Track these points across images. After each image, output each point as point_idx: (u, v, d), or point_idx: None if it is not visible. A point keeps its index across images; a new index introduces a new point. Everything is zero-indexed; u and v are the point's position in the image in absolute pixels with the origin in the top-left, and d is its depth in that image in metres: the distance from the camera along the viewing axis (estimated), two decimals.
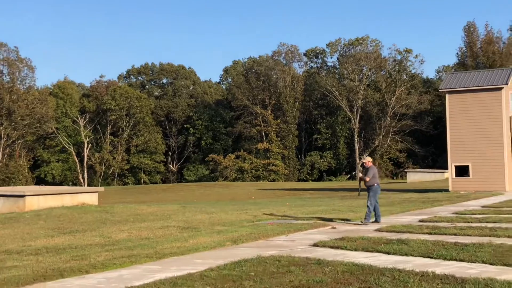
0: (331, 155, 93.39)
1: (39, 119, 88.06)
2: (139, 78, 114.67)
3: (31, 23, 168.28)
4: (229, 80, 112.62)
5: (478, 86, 35.38)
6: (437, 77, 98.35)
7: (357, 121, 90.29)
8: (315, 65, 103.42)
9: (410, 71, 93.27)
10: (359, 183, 18.10)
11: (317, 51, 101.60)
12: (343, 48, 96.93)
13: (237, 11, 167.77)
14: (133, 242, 14.87)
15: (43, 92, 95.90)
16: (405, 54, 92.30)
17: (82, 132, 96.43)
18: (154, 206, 27.46)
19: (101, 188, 32.96)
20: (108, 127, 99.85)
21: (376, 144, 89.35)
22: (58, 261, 11.90)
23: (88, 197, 28.45)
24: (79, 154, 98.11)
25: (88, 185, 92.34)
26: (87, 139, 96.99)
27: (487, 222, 16.33)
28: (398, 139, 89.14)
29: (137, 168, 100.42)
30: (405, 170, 75.30)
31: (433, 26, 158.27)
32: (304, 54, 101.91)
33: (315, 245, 12.54)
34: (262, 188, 57.66)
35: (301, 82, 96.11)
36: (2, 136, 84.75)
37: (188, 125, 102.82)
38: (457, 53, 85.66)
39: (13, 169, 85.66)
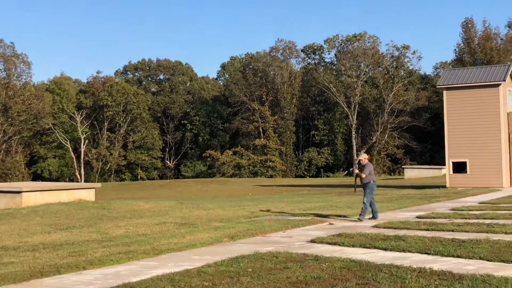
0: (329, 152, 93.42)
1: (35, 115, 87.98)
2: (136, 74, 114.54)
3: (27, 18, 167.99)
4: (227, 76, 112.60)
5: (476, 83, 35.39)
6: (435, 73, 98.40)
7: (354, 117, 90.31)
8: (313, 61, 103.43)
9: (408, 67, 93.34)
10: (355, 179, 18.10)
11: (315, 47, 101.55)
12: (341, 44, 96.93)
13: (234, 6, 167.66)
14: (130, 238, 14.85)
15: (40, 88, 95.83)
16: (403, 50, 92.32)
17: (79, 128, 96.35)
18: (151, 202, 27.44)
19: (98, 184, 32.95)
20: (105, 123, 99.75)
21: (374, 140, 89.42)
22: (55, 257, 11.87)
23: (85, 193, 28.43)
24: (76, 150, 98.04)
25: (85, 181, 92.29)
26: (84, 135, 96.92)
27: (484, 218, 16.34)
28: (396, 135, 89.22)
29: (134, 164, 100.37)
30: (403, 166, 75.43)
31: (431, 22, 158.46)
32: (302, 50, 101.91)
33: (313, 241, 12.53)
34: (259, 184, 57.67)
35: (298, 78, 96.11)
36: None
37: (185, 121, 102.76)
38: (455, 50, 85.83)
39: (9, 165, 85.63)
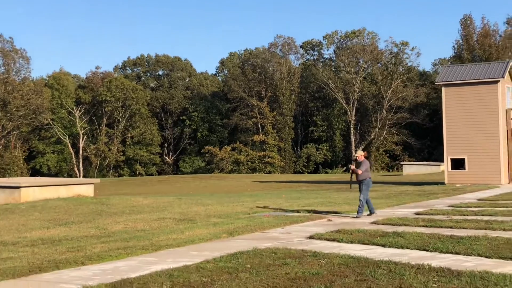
0: (327, 148, 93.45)
1: (34, 110, 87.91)
2: (135, 69, 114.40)
3: (26, 13, 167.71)
4: (225, 72, 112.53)
5: (474, 79, 35.40)
6: (433, 70, 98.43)
7: (353, 113, 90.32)
8: (312, 58, 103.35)
9: (407, 63, 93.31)
10: (351, 176, 18.12)
11: (314, 43, 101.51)
12: (340, 40, 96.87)
13: (233, 2, 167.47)
14: (129, 233, 14.87)
15: (39, 83, 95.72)
16: (402, 47, 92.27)
17: (77, 124, 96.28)
18: (150, 198, 27.46)
19: (97, 180, 32.98)
20: (104, 119, 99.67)
21: (372, 136, 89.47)
22: (53, 252, 11.88)
23: (83, 188, 28.46)
24: (75, 146, 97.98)
25: (84, 176, 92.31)
26: (83, 131, 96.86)
27: (482, 215, 16.35)
28: (394, 131, 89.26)
29: (133, 159, 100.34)
30: (401, 163, 75.45)
31: (430, 19, 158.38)
32: (301, 46, 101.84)
33: (311, 237, 12.54)
34: (258, 180, 57.69)
35: (297, 74, 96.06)
36: None
37: (184, 117, 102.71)
38: (454, 46, 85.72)
39: (8, 160, 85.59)
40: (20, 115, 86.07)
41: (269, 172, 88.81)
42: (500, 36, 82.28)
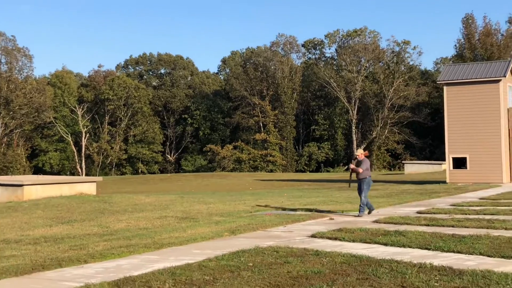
0: (329, 146, 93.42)
1: (37, 108, 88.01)
2: (137, 68, 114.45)
3: (28, 12, 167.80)
4: (227, 70, 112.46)
5: (476, 78, 35.37)
6: (435, 69, 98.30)
7: (355, 112, 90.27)
8: (313, 56, 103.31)
9: (408, 62, 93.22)
10: (350, 175, 18.13)
11: (316, 42, 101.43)
12: (341, 39, 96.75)
13: (235, 1, 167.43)
14: (131, 232, 14.89)
15: (41, 82, 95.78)
16: (403, 46, 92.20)
17: (80, 122, 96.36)
18: (152, 196, 27.49)
19: (99, 178, 33.02)
20: (106, 117, 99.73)
21: (374, 135, 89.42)
22: (56, 250, 11.91)
23: (86, 186, 28.51)
24: (77, 144, 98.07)
25: (86, 174, 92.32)
26: (85, 129, 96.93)
27: (484, 214, 16.35)
28: (396, 130, 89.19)
29: (135, 158, 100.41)
30: (403, 162, 75.39)
31: (432, 18, 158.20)
32: (303, 45, 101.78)
33: (313, 236, 12.55)
34: (259, 179, 57.69)
35: (299, 73, 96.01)
36: (0, 125, 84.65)
37: (186, 116, 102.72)
38: (455, 45, 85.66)
39: (11, 158, 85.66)
40: (22, 113, 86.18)
41: (271, 171, 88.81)
42: (502, 35, 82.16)
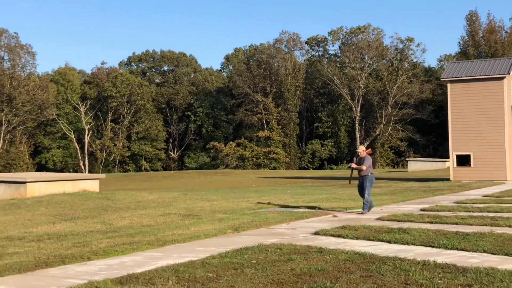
0: (332, 144, 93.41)
1: (40, 105, 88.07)
2: (140, 65, 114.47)
3: (31, 8, 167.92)
4: (230, 67, 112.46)
5: (480, 76, 35.30)
6: (439, 66, 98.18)
7: (358, 109, 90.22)
8: (317, 53, 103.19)
9: (412, 60, 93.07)
10: (351, 172, 18.09)
11: (319, 39, 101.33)
12: (345, 36, 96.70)
13: None
14: (135, 229, 14.89)
15: (44, 79, 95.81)
16: (407, 43, 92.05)
17: (83, 119, 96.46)
18: (155, 193, 27.50)
19: (102, 175, 33.03)
20: (109, 114, 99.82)
21: (377, 132, 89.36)
22: (59, 247, 11.92)
23: (89, 184, 28.52)
24: (80, 141, 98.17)
25: (89, 172, 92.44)
26: (88, 126, 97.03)
27: (488, 211, 16.33)
28: (399, 128, 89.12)
29: (138, 155, 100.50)
30: (406, 159, 75.37)
31: (435, 15, 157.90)
32: (306, 42, 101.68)
33: (317, 233, 12.54)
34: (263, 176, 57.71)
35: (302, 70, 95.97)
36: (3, 122, 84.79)
37: (189, 113, 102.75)
38: (459, 42, 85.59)
39: (14, 156, 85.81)
40: (25, 110, 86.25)
41: (274, 168, 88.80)
42: (506, 32, 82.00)
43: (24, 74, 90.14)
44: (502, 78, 34.63)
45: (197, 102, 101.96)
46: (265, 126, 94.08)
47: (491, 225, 13.09)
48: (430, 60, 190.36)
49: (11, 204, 23.05)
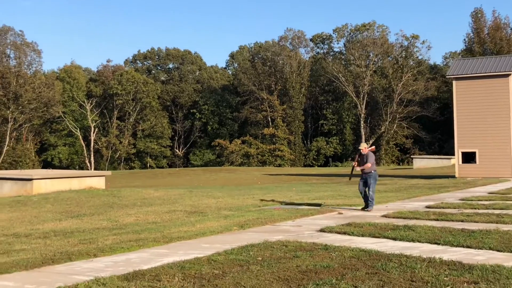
0: (337, 141, 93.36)
1: (45, 103, 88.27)
2: (146, 63, 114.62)
3: (36, 6, 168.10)
4: (235, 65, 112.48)
5: (485, 73, 35.24)
6: (444, 63, 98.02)
7: (363, 107, 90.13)
8: (322, 51, 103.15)
9: (417, 57, 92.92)
10: (352, 168, 18.10)
11: (324, 37, 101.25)
12: (350, 33, 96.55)
13: None
14: (141, 226, 14.92)
15: (50, 77, 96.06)
16: (412, 40, 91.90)
17: (88, 116, 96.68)
18: (161, 190, 27.54)
19: (108, 172, 33.11)
20: (115, 112, 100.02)
21: (383, 130, 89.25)
22: (66, 244, 11.95)
23: (95, 181, 28.59)
24: (86, 138, 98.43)
25: (95, 169, 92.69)
26: (94, 123, 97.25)
27: (494, 208, 16.30)
28: (405, 125, 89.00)
29: (144, 152, 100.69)
30: (412, 156, 75.25)
31: (441, 12, 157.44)
32: (311, 40, 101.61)
33: (322, 230, 12.53)
34: (268, 173, 57.70)
35: (307, 67, 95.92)
36: (9, 120, 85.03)
37: (194, 110, 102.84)
38: (465, 39, 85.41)
39: (20, 153, 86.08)
40: (31, 108, 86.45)
41: (279, 165, 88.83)
42: (511, 29, 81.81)
43: (30, 72, 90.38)
44: (508, 75, 34.56)
45: (202, 100, 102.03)
46: (270, 124, 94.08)
47: (497, 222, 13.06)
48: (436, 58, 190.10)
49: (17, 201, 23.11)
